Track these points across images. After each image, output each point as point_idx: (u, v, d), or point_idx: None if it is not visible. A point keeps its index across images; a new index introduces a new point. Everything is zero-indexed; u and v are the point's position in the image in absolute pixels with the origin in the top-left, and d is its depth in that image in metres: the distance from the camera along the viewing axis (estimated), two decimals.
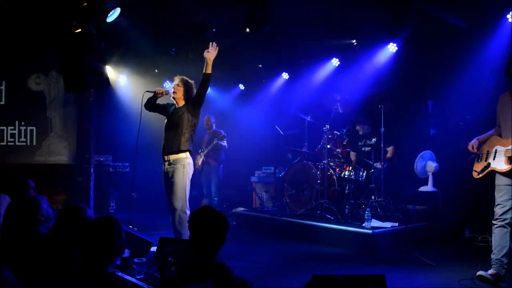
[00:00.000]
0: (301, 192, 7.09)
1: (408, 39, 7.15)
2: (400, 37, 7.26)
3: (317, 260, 5.31)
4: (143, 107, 5.25)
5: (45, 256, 3.02)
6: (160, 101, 5.35)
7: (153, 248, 5.09)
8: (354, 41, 7.74)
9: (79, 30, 5.64)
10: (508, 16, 5.95)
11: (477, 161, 4.31)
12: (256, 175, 9.14)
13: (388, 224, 5.89)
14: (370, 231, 5.54)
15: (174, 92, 5.16)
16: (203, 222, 2.55)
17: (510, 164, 3.92)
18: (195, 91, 5.18)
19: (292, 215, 6.88)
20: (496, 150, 4.11)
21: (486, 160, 4.16)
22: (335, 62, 8.40)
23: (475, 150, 4.31)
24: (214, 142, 8.05)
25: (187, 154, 5.00)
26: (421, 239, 5.80)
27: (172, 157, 4.98)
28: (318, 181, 6.70)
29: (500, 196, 4.08)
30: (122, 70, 9.10)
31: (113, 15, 5.62)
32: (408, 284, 4.16)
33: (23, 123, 7.51)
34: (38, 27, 6.45)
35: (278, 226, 6.81)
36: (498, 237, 4.05)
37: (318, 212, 6.54)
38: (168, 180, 5.01)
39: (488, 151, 4.19)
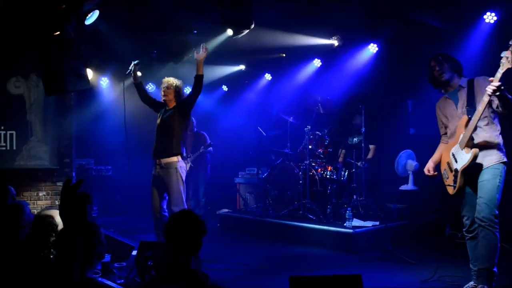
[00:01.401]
0: (284, 192, 7.12)
1: (388, 39, 7.22)
2: (381, 38, 7.34)
3: (299, 260, 5.34)
4: (141, 100, 5.43)
5: (23, 261, 2.99)
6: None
7: (135, 252, 5.06)
8: (336, 42, 7.79)
9: (58, 32, 5.58)
10: (485, 16, 6.04)
11: (446, 178, 4.03)
12: (239, 176, 9.15)
13: (369, 223, 5.94)
14: (351, 231, 5.59)
15: (165, 95, 5.16)
16: (179, 227, 2.53)
17: (470, 149, 3.70)
18: (183, 90, 5.19)
19: (275, 215, 6.91)
20: (453, 153, 3.90)
21: (451, 171, 3.90)
22: (317, 62, 8.45)
23: (433, 172, 4.09)
24: (201, 150, 7.99)
25: (179, 158, 4.98)
26: (402, 238, 5.87)
27: (164, 160, 4.95)
28: (300, 182, 6.73)
29: (463, 206, 3.96)
30: (103, 73, 9.03)
31: (92, 17, 5.57)
32: (388, 283, 4.21)
33: (2, 127, 7.40)
34: (16, 30, 6.38)
35: (261, 227, 6.83)
36: (471, 248, 3.91)
37: (301, 212, 6.57)
38: (159, 184, 4.99)
39: (447, 162, 3.97)
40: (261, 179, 7.75)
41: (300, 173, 6.79)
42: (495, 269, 3.62)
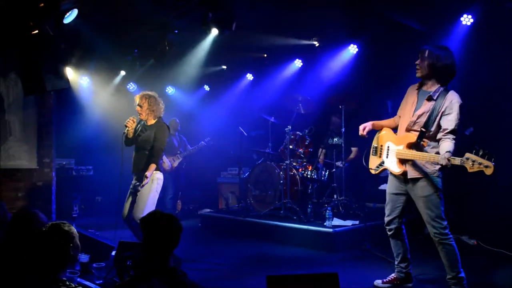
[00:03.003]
0: (265, 192, 7.15)
1: (368, 40, 7.32)
2: (360, 39, 7.42)
3: (279, 260, 5.37)
4: (124, 146, 5.13)
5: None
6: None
7: (114, 253, 5.04)
8: (316, 42, 7.85)
9: (36, 31, 5.53)
10: (462, 18, 6.15)
11: (373, 154, 4.12)
12: (221, 176, 9.17)
13: (349, 222, 6.00)
14: (331, 230, 5.64)
15: (139, 114, 5.09)
16: (155, 224, 2.55)
17: (402, 166, 3.77)
18: (159, 102, 5.11)
19: (256, 215, 6.93)
20: (388, 147, 3.95)
21: (380, 156, 4.00)
22: (298, 63, 8.51)
23: (364, 133, 4.08)
24: (201, 144, 8.02)
25: (156, 170, 4.96)
26: (381, 236, 5.90)
27: (140, 174, 4.96)
28: (281, 181, 6.77)
29: (386, 203, 4.11)
30: (83, 72, 8.96)
31: (70, 16, 5.53)
32: (365, 280, 4.27)
33: None
34: None
35: (242, 227, 6.85)
36: (392, 244, 4.13)
37: (282, 212, 6.61)
38: (134, 194, 5.00)
39: (381, 145, 4.03)
40: (243, 179, 7.77)
41: (281, 173, 6.83)
42: (461, 275, 3.69)
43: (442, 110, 3.65)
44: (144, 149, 4.98)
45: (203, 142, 8.21)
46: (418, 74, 3.82)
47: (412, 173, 3.75)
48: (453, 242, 3.68)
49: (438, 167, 3.60)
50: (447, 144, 3.52)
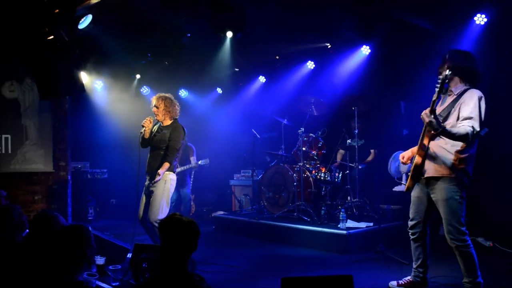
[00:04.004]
0: (278, 194, 7.15)
1: (380, 41, 7.29)
2: (373, 40, 7.40)
3: (292, 262, 5.36)
4: (141, 147, 5.21)
5: (18, 264, 3.02)
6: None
7: (130, 255, 5.09)
8: (328, 44, 7.85)
9: (51, 37, 5.62)
10: (475, 18, 6.10)
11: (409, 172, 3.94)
12: (235, 178, 9.20)
13: (363, 224, 5.98)
14: (344, 232, 5.63)
15: (156, 115, 5.18)
16: (172, 229, 2.55)
17: (412, 180, 3.77)
18: (175, 104, 5.20)
19: (270, 217, 6.94)
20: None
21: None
22: (310, 65, 8.52)
23: (407, 161, 4.00)
24: (195, 165, 7.89)
25: (169, 171, 5.01)
26: (396, 238, 5.90)
27: (153, 173, 4.99)
28: (295, 184, 6.77)
29: (410, 206, 4.02)
30: (98, 76, 9.07)
31: (85, 21, 5.61)
32: (379, 283, 4.25)
33: None
34: (10, 34, 6.40)
35: (256, 229, 6.86)
36: (412, 248, 4.03)
37: (295, 214, 6.60)
38: (148, 194, 5.05)
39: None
40: (256, 181, 7.79)
41: (295, 175, 6.83)
42: (479, 280, 3.62)
43: (461, 102, 3.57)
44: (159, 149, 5.04)
45: (200, 162, 7.98)
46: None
47: (430, 172, 3.68)
48: (470, 250, 3.59)
49: (461, 166, 3.55)
50: (457, 128, 3.46)
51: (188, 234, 2.54)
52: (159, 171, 4.86)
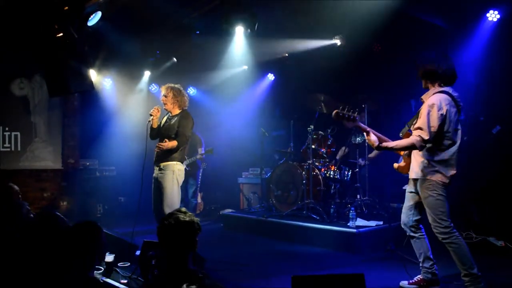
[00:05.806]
0: (287, 192, 7.11)
1: (391, 38, 7.21)
2: (384, 37, 7.32)
3: (302, 260, 5.34)
4: (149, 138, 5.19)
5: (18, 260, 3.00)
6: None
7: (138, 252, 5.07)
8: (338, 41, 7.78)
9: (61, 34, 5.62)
10: (488, 14, 6.02)
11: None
12: (243, 176, 9.16)
13: (372, 223, 5.93)
14: (354, 230, 5.58)
15: (164, 104, 5.17)
16: (171, 227, 2.52)
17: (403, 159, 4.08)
18: (184, 94, 5.20)
19: (278, 215, 6.90)
20: None
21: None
22: (320, 62, 8.42)
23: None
24: (198, 157, 7.92)
25: (177, 161, 4.99)
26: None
27: (163, 164, 4.98)
28: (304, 182, 6.73)
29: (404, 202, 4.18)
30: (107, 73, 9.07)
31: (94, 18, 5.61)
32: (390, 282, 4.21)
33: (7, 128, 7.45)
34: (20, 32, 6.42)
35: (264, 227, 6.83)
36: (412, 244, 4.13)
37: (304, 212, 6.56)
38: (157, 186, 5.02)
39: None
40: (264, 179, 7.75)
41: (303, 173, 6.79)
42: (474, 271, 3.63)
43: (420, 111, 3.80)
44: (169, 137, 4.99)
45: (196, 156, 8.01)
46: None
47: (412, 174, 3.94)
48: (458, 240, 3.70)
49: (433, 169, 3.74)
50: (404, 140, 3.76)
51: (182, 235, 2.51)
52: (165, 144, 4.83)
